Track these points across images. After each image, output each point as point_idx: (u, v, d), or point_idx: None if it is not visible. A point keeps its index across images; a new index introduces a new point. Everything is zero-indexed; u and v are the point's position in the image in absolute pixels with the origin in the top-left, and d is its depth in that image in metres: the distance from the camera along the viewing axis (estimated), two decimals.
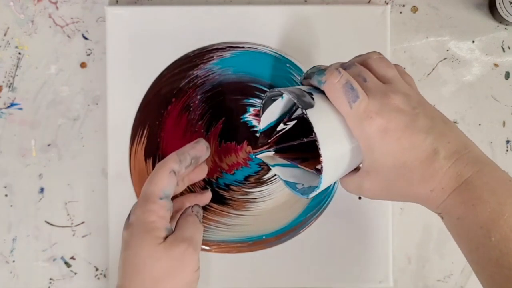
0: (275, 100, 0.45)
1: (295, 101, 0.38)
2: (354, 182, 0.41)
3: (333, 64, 0.41)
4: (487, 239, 0.36)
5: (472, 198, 0.36)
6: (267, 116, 0.46)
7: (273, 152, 0.46)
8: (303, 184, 0.44)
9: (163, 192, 0.42)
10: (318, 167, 0.40)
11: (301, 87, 0.42)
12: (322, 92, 0.40)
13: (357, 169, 0.42)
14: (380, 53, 0.41)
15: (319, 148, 0.37)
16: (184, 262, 0.41)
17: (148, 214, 0.41)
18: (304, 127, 0.44)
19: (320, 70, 0.39)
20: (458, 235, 0.38)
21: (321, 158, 0.37)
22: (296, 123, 0.47)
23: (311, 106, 0.38)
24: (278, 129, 0.46)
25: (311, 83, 0.41)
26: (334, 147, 0.38)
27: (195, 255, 0.42)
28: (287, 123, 0.46)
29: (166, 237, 0.42)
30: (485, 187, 0.36)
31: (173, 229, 0.44)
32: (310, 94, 0.39)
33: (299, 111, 0.46)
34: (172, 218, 0.46)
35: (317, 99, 0.39)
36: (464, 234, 0.37)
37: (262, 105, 0.45)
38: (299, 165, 0.44)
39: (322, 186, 0.40)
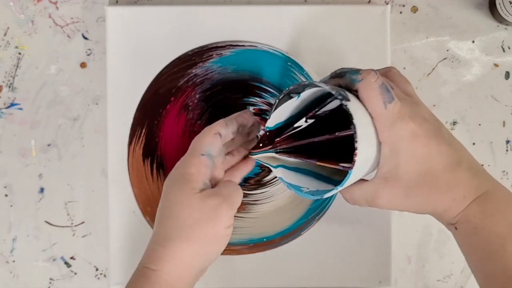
0: (292, 97, 0.43)
1: (333, 93, 0.38)
2: (366, 191, 0.41)
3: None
4: (503, 249, 0.37)
5: (491, 208, 0.38)
6: (277, 114, 0.44)
7: (276, 153, 0.44)
8: (308, 188, 0.43)
9: (205, 149, 0.44)
10: (344, 164, 0.40)
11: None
12: (351, 93, 0.39)
13: (362, 180, 0.41)
14: (398, 70, 0.43)
15: (356, 141, 0.37)
16: (216, 215, 0.42)
17: (188, 166, 0.43)
18: (320, 127, 0.44)
19: (354, 70, 0.40)
20: (471, 246, 0.39)
21: (355, 151, 0.37)
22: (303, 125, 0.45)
23: (348, 100, 0.38)
24: (295, 125, 0.44)
25: (340, 82, 0.41)
26: (365, 145, 0.38)
27: (229, 211, 0.43)
28: (307, 120, 0.44)
29: (203, 190, 0.43)
30: (502, 200, 0.39)
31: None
32: (343, 90, 0.39)
33: (323, 110, 0.44)
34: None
35: (350, 96, 0.39)
36: (478, 244, 0.39)
37: (277, 100, 0.43)
38: (317, 163, 0.42)
39: (348, 182, 0.39)
